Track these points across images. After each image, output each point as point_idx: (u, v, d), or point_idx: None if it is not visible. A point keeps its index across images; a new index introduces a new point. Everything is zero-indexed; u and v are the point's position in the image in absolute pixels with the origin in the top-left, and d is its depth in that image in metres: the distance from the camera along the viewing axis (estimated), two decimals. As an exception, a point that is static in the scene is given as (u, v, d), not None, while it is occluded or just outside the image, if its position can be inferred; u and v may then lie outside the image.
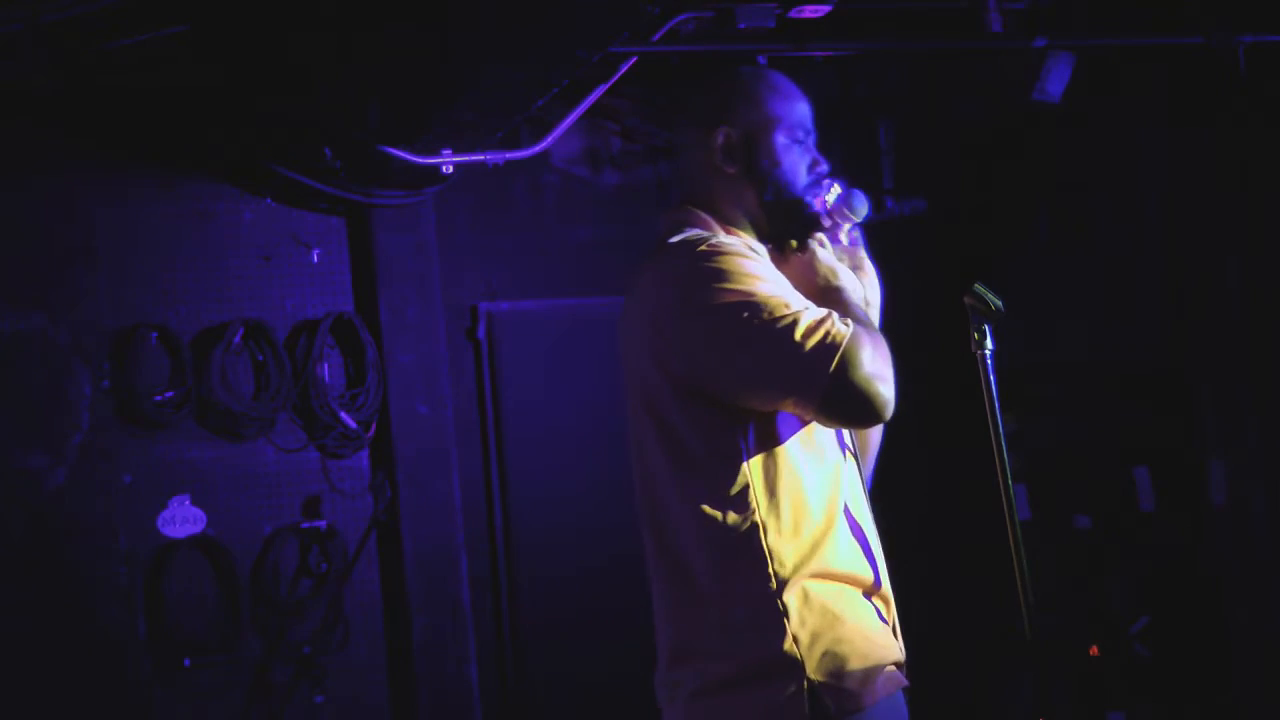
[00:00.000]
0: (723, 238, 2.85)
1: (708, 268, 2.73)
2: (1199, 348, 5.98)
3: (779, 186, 2.92)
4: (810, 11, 4.85)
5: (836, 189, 2.96)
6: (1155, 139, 6.00)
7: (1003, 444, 2.92)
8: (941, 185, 6.33)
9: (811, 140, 2.98)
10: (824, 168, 2.98)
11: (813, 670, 2.68)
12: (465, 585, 5.75)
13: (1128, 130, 6.07)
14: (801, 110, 2.97)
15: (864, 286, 2.96)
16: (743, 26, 4.87)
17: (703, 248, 2.76)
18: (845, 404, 2.68)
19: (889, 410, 2.70)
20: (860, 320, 2.75)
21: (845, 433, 2.93)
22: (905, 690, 2.83)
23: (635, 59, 5.09)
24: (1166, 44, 5.36)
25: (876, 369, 2.67)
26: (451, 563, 5.74)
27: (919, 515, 6.20)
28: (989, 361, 2.93)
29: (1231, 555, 5.87)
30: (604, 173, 6.28)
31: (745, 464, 2.74)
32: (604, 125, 6.19)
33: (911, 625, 2.97)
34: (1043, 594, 2.95)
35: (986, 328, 2.95)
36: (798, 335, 2.65)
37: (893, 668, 2.79)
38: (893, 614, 2.88)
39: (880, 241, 3.01)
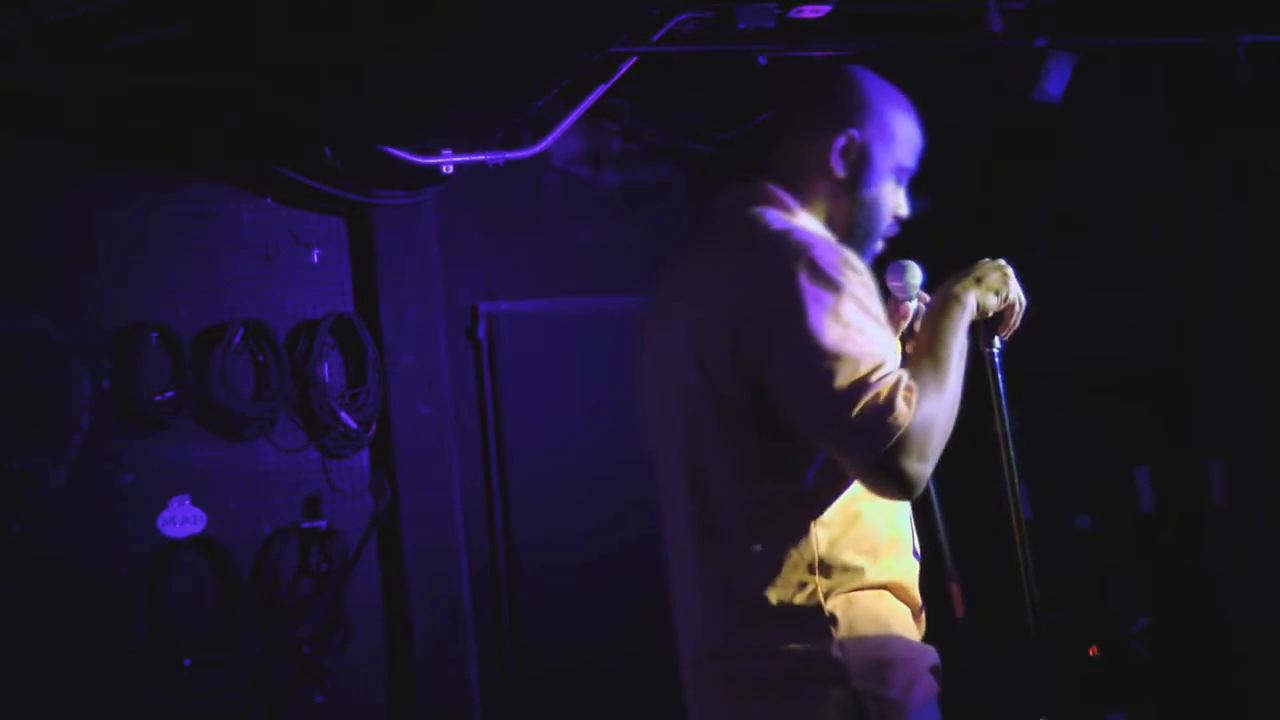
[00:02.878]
0: (817, 231, 2.81)
1: (809, 286, 2.63)
2: (1199, 348, 5.98)
3: (869, 213, 2.91)
4: (810, 11, 4.85)
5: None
6: (1155, 139, 6.00)
7: (1009, 443, 2.91)
8: (941, 185, 6.32)
9: (906, 183, 2.97)
10: (904, 213, 2.96)
11: (857, 677, 2.66)
12: (465, 585, 5.75)
13: (1128, 130, 6.06)
14: (917, 152, 2.98)
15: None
16: (743, 26, 4.86)
17: (810, 256, 2.65)
18: (881, 483, 2.64)
19: (918, 493, 2.68)
20: (942, 390, 2.69)
21: None
22: (938, 695, 2.82)
23: (635, 59, 5.09)
24: (1166, 44, 5.36)
25: (921, 457, 2.62)
26: (451, 563, 5.74)
27: (918, 514, 6.20)
28: (997, 360, 2.91)
29: (1231, 555, 5.86)
30: (604, 173, 6.28)
31: (810, 472, 2.70)
32: (604, 125, 6.19)
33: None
34: (1043, 593, 2.95)
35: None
36: (861, 406, 2.57)
37: (931, 674, 2.78)
38: (922, 620, 2.89)
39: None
